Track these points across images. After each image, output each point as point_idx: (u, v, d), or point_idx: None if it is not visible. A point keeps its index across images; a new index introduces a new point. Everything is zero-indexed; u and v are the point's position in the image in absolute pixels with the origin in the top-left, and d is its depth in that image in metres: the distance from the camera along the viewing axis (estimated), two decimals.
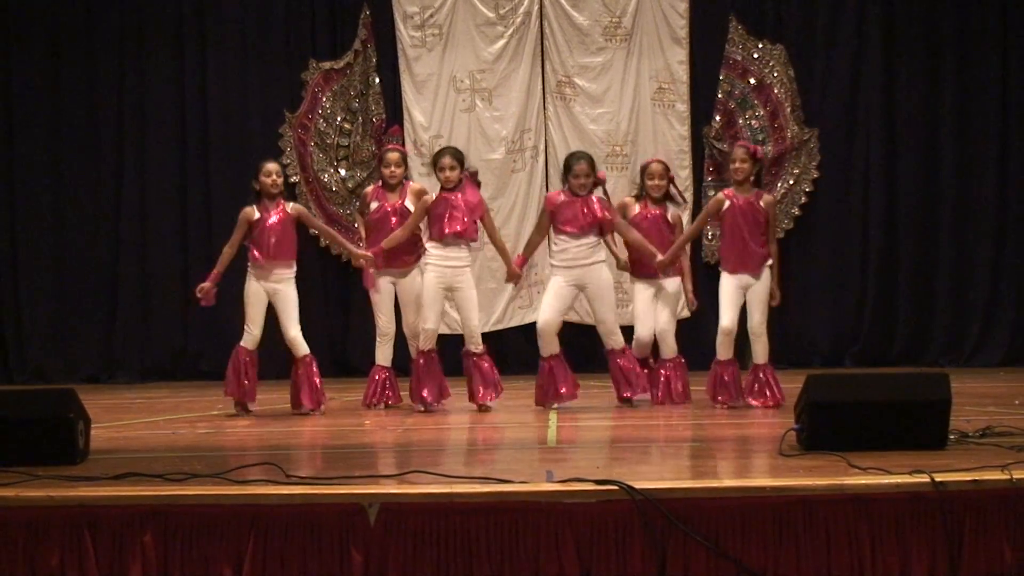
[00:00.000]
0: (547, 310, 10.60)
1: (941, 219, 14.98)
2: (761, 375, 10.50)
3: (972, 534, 5.90)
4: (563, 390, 10.58)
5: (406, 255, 10.96)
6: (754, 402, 10.41)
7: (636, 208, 11.08)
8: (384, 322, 11.09)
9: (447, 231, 10.48)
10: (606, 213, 10.51)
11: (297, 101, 14.87)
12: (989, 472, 6.02)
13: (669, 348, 11.02)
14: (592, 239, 10.52)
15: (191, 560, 5.97)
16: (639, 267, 10.98)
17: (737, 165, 10.51)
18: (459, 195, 10.57)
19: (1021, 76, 14.99)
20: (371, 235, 11.08)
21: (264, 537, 5.93)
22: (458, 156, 10.72)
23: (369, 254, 10.85)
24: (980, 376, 13.19)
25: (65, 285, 15.04)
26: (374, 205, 11.10)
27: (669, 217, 11.06)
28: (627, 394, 10.63)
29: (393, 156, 11.14)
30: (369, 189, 11.44)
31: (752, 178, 10.56)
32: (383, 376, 11.08)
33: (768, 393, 10.42)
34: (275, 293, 10.68)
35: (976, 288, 14.96)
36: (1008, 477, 5.95)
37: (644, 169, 11.22)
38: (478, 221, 10.68)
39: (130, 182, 15.05)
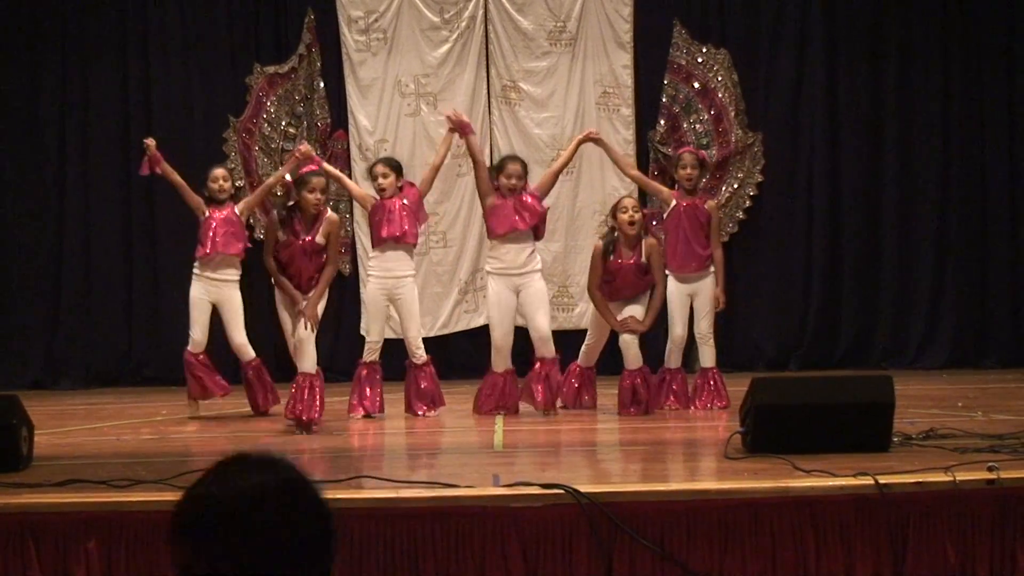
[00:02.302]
0: (502, 324, 10.45)
1: (884, 222, 15.07)
2: (709, 378, 10.57)
3: (916, 535, 5.94)
4: (515, 402, 10.51)
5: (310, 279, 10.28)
6: (702, 405, 10.46)
7: (609, 258, 10.40)
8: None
9: (384, 234, 10.39)
10: (540, 208, 10.43)
11: (241, 106, 14.80)
12: (932, 474, 6.08)
13: (634, 358, 10.79)
14: (527, 243, 10.44)
15: (136, 567, 5.95)
16: None
17: (688, 171, 10.59)
18: (396, 200, 10.45)
19: (962, 79, 15.10)
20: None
21: None
22: (391, 163, 10.64)
23: (304, 147, 10.91)
24: (923, 378, 13.26)
25: (7, 290, 14.92)
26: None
27: (643, 257, 10.36)
28: (542, 406, 10.34)
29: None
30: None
31: (701, 185, 10.69)
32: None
33: (716, 396, 10.48)
34: (219, 299, 10.72)
35: (919, 291, 15.05)
36: (951, 479, 6.00)
37: (616, 206, 10.58)
38: (419, 223, 10.61)
39: (73, 187, 14.95)
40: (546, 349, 10.45)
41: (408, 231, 10.42)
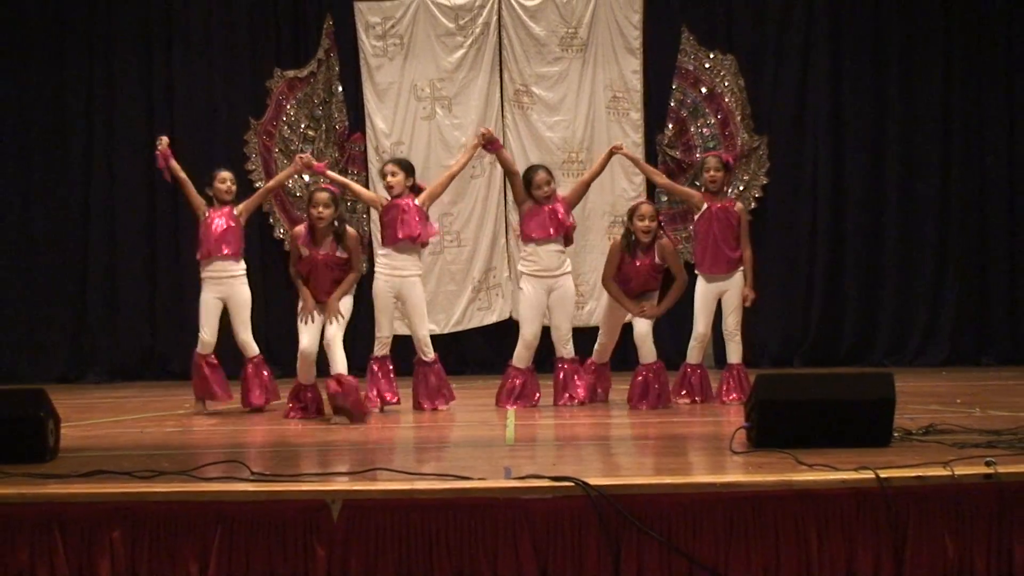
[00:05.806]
0: (533, 322, 10.79)
1: (886, 224, 15.21)
2: (735, 374, 10.81)
3: (916, 529, 5.95)
4: (535, 397, 10.83)
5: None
6: (728, 399, 10.70)
7: (625, 258, 10.68)
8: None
9: (400, 235, 10.53)
10: (570, 221, 10.72)
11: (262, 108, 14.96)
12: (932, 468, 6.09)
13: (648, 352, 10.99)
14: (560, 246, 10.72)
15: (158, 556, 5.99)
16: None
17: (712, 174, 10.83)
18: (408, 201, 10.61)
19: (964, 84, 15.22)
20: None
21: (230, 533, 5.96)
22: (401, 163, 10.74)
23: (304, 157, 11.13)
24: (923, 376, 13.38)
25: (35, 286, 15.08)
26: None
27: (657, 259, 10.65)
28: (562, 402, 10.80)
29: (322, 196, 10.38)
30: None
31: (726, 187, 10.93)
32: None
33: (738, 390, 10.70)
34: (227, 296, 10.87)
35: (920, 291, 15.18)
36: (950, 473, 6.02)
37: (633, 211, 10.73)
38: (429, 218, 10.77)
39: (98, 186, 15.11)
40: (566, 349, 10.84)
41: (423, 232, 10.60)
